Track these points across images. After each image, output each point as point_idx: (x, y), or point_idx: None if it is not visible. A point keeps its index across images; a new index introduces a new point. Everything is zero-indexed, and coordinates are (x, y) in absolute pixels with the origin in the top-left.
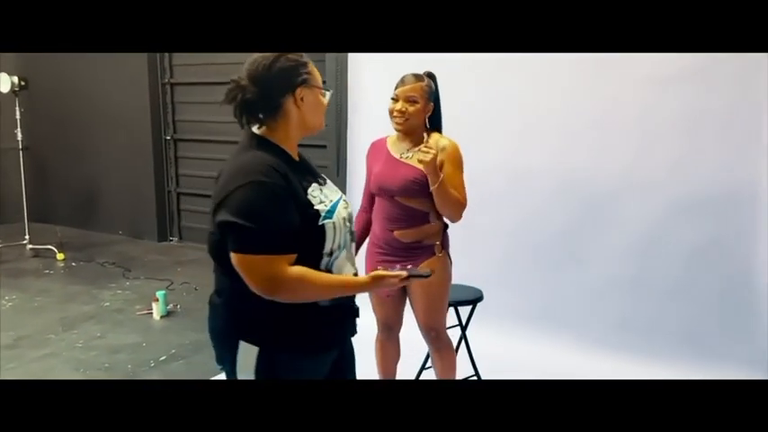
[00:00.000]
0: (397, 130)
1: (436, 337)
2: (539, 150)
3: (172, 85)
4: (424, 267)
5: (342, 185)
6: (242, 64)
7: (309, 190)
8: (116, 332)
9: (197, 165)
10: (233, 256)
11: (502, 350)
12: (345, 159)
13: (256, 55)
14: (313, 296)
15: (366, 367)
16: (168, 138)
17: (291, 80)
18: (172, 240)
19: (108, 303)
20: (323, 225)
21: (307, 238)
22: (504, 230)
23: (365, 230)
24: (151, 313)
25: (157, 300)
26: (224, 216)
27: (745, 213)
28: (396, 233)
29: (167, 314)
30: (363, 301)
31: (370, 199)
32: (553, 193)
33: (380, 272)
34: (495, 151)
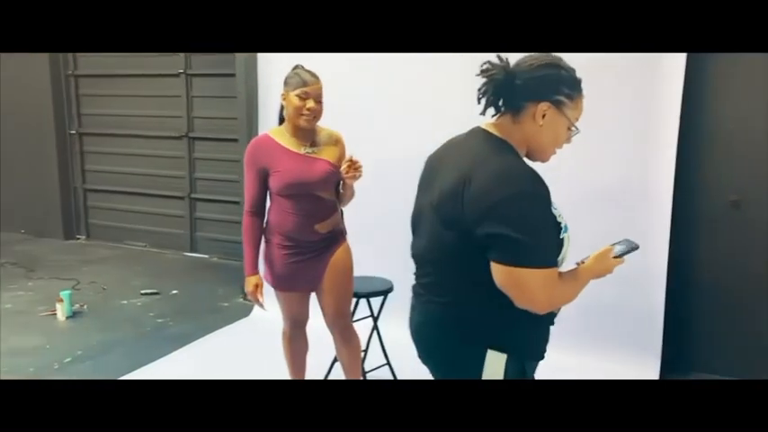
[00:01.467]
0: (304, 127)
1: (345, 325)
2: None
3: (76, 77)
4: (341, 253)
5: None
6: (148, 57)
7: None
8: (18, 335)
9: (105, 160)
10: (502, 270)
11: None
12: None
13: (543, 54)
14: (573, 297)
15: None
16: (73, 132)
17: (544, 91)
18: (79, 239)
19: (9, 305)
20: (563, 238)
21: None
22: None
23: (261, 231)
24: (55, 314)
25: (62, 300)
26: (495, 228)
27: (641, 206)
28: (317, 226)
29: (73, 315)
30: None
31: (260, 201)
32: None
33: (605, 249)
34: (398, 143)
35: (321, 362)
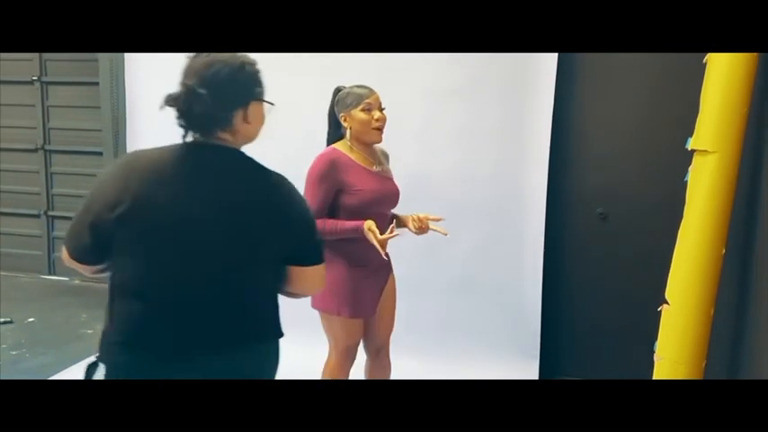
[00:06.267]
0: (375, 141)
1: (387, 352)
2: None
3: None
4: (392, 279)
5: None
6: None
7: None
8: None
9: None
10: None
11: (291, 358)
12: None
13: None
14: None
15: None
16: None
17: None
18: None
19: None
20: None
21: None
22: None
23: None
24: None
25: None
26: None
27: (514, 215)
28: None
29: None
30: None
31: (325, 215)
32: None
33: None
34: (279, 159)
35: None
